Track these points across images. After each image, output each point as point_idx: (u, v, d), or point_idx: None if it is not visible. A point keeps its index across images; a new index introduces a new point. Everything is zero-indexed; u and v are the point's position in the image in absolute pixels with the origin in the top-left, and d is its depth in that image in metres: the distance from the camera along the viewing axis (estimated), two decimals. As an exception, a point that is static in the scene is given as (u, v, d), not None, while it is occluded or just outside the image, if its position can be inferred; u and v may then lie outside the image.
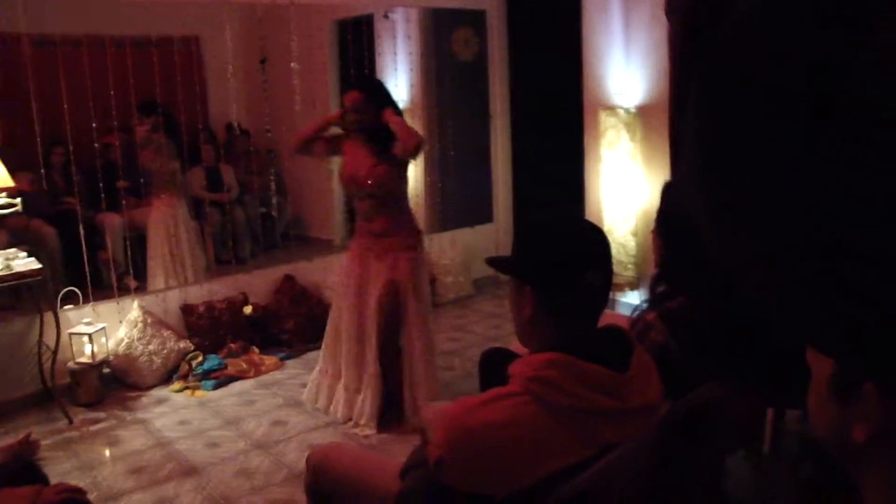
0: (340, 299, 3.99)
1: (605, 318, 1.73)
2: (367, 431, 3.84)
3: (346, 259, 4.01)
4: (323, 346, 4.13)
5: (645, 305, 2.11)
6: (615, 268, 5.05)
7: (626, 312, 2.38)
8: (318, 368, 4.19)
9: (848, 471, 0.68)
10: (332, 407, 4.05)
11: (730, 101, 0.55)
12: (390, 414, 3.93)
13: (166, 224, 5.50)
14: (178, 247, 5.51)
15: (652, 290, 2.12)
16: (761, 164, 0.53)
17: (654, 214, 2.26)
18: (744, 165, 0.54)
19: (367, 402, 3.88)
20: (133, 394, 4.50)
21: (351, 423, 3.93)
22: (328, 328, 4.09)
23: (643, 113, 5.07)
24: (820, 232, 0.51)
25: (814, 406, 0.69)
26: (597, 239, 1.64)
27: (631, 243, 5.15)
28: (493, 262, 1.78)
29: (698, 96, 0.58)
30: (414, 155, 3.78)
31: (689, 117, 0.58)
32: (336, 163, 6.24)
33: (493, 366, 2.62)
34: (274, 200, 6.33)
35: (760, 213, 0.54)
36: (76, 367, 4.34)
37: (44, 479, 2.27)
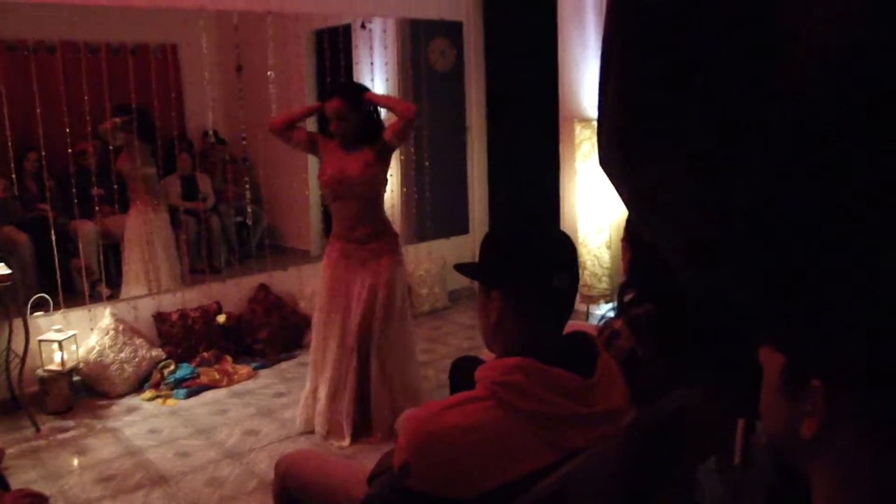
0: (325, 313, 3.87)
1: (574, 329, 1.74)
2: (342, 443, 3.81)
3: (325, 270, 3.89)
4: (311, 366, 3.97)
5: (612, 313, 2.13)
6: (589, 280, 5.13)
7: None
8: (307, 390, 4.00)
9: (798, 468, 0.69)
10: (321, 425, 3.92)
11: (652, 57, 0.54)
12: (363, 423, 3.90)
13: (141, 231, 5.46)
14: (154, 254, 5.47)
15: (620, 298, 2.13)
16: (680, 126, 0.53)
17: (628, 227, 2.28)
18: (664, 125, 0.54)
19: (344, 411, 3.84)
20: (103, 402, 4.45)
21: (325, 434, 3.88)
22: (314, 346, 3.95)
23: (618, 125, 5.09)
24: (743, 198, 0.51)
25: (765, 404, 0.70)
26: (563, 244, 1.64)
27: (605, 256, 5.17)
28: (461, 267, 1.80)
29: (623, 52, 0.57)
30: (412, 124, 3.76)
31: (612, 77, 0.58)
32: (312, 169, 6.23)
33: (464, 373, 2.62)
34: (249, 209, 6.30)
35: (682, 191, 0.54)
36: (45, 374, 4.29)
37: (5, 486, 2.24)
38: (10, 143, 4.41)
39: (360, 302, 3.76)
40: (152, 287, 5.34)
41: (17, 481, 2.96)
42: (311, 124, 4.28)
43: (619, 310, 2.09)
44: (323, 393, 3.89)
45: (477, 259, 1.73)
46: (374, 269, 3.76)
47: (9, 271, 4.08)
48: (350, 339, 3.80)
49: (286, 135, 3.88)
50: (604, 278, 5.18)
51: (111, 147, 5.43)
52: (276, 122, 3.94)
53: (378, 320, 3.79)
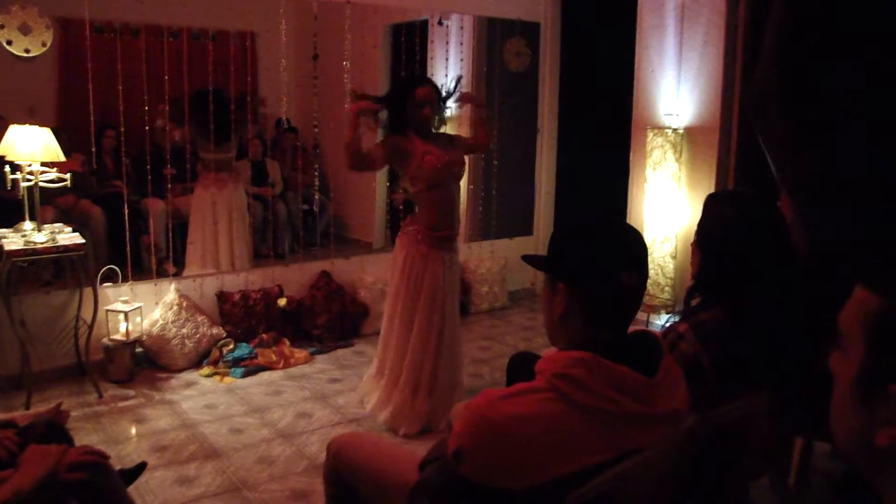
0: (438, 305, 3.79)
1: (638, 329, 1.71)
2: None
3: (411, 260, 3.76)
4: (411, 366, 3.80)
5: (677, 317, 2.09)
6: (651, 290, 5.05)
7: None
8: (409, 393, 3.82)
9: (869, 480, 0.66)
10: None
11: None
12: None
13: (203, 211, 5.57)
14: (216, 234, 5.57)
15: (686, 302, 2.09)
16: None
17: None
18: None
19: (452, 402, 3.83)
20: (163, 375, 4.55)
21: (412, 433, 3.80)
22: (424, 345, 3.80)
23: (690, 134, 5.03)
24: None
25: (836, 411, 0.67)
26: (634, 240, 1.62)
27: (669, 265, 5.10)
28: (529, 258, 1.77)
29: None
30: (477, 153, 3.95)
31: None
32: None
33: (521, 369, 2.61)
34: (316, 198, 6.37)
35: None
36: (110, 343, 4.41)
37: (70, 442, 2.31)
38: (91, 121, 4.53)
39: (447, 290, 3.83)
40: (208, 266, 5.43)
41: (79, 443, 3.04)
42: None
43: (685, 314, 2.05)
44: (419, 390, 3.83)
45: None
46: (451, 258, 3.85)
47: (82, 241, 4.20)
48: (450, 330, 3.86)
49: (365, 164, 3.72)
50: (667, 288, 5.10)
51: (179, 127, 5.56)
52: (351, 162, 3.65)
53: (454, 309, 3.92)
